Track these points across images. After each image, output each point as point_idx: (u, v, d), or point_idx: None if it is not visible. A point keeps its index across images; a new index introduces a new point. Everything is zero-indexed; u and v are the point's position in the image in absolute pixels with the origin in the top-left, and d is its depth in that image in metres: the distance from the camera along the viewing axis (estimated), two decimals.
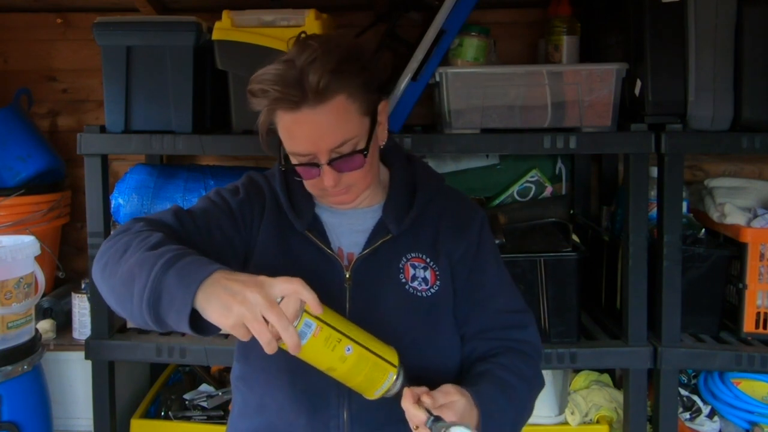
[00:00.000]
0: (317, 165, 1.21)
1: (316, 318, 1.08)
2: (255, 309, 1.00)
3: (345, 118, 1.19)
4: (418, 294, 1.28)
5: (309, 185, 1.29)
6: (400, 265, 1.30)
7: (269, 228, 1.32)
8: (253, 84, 1.20)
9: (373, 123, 1.25)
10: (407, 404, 1.11)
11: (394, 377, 1.14)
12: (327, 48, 1.18)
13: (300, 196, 1.34)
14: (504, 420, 1.21)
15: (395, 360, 1.15)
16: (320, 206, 1.36)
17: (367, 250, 1.30)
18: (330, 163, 1.21)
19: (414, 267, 1.30)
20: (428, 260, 1.31)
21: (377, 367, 1.13)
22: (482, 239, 1.36)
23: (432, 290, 1.29)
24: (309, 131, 1.19)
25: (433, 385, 1.15)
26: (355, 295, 1.28)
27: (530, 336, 1.35)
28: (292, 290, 1.04)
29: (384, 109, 1.31)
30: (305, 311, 1.07)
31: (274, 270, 1.27)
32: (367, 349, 1.12)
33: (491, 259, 1.37)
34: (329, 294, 1.26)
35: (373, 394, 1.16)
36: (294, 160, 1.25)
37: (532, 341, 1.35)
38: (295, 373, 1.25)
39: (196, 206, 1.33)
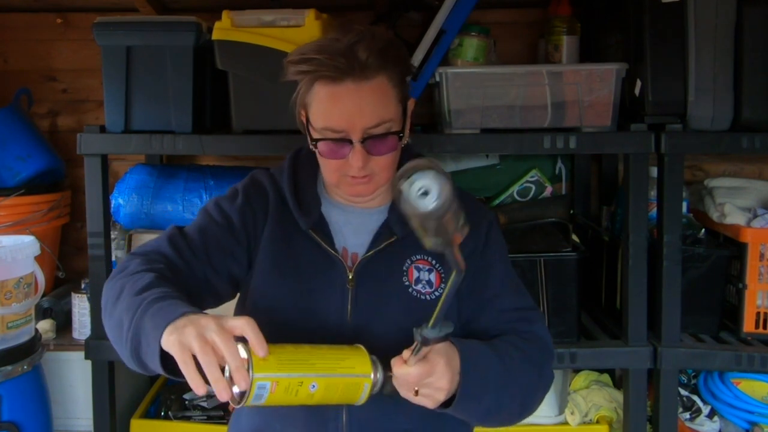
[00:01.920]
0: (349, 142, 1.19)
1: (267, 374, 1.01)
2: (204, 330, 0.98)
3: (385, 100, 1.19)
4: (422, 297, 1.27)
5: (330, 169, 1.25)
6: (404, 268, 1.28)
7: (273, 226, 1.31)
8: (295, 54, 1.19)
9: (406, 115, 1.26)
10: (398, 371, 1.10)
11: (370, 386, 1.12)
12: (372, 32, 1.20)
13: (307, 195, 1.33)
14: (488, 372, 1.17)
15: (366, 368, 1.11)
16: (328, 204, 1.34)
17: (371, 252, 1.28)
18: (363, 141, 1.19)
19: (418, 269, 1.29)
20: (434, 262, 1.30)
21: (349, 387, 1.10)
22: (490, 239, 1.34)
23: (436, 293, 1.28)
24: (349, 106, 1.18)
25: None
26: (358, 296, 1.27)
27: (538, 330, 1.32)
28: (239, 325, 1.01)
29: (412, 108, 1.30)
30: (253, 367, 1.00)
31: (276, 269, 1.28)
32: (331, 376, 1.08)
33: (498, 259, 1.35)
34: (331, 295, 1.27)
35: (357, 402, 1.14)
36: (322, 137, 1.22)
37: (540, 335, 1.32)
38: None
39: (193, 225, 1.32)
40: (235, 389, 1.02)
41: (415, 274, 1.28)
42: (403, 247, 1.29)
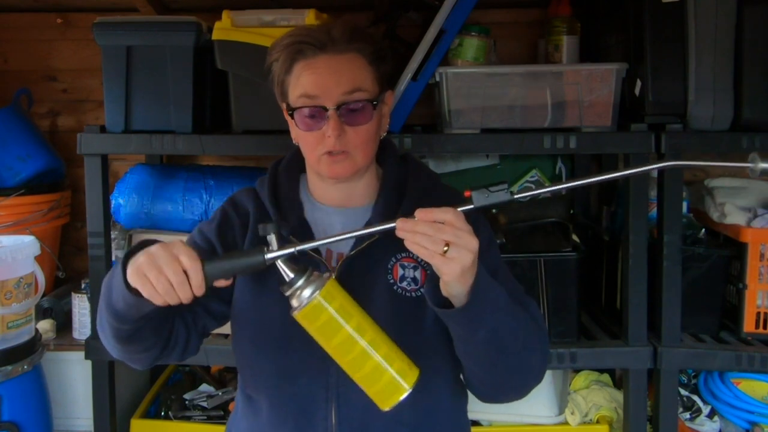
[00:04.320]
0: (324, 109, 1.22)
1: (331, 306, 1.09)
2: (164, 249, 1.07)
3: (360, 71, 1.23)
4: (407, 294, 1.26)
5: (309, 147, 1.26)
6: (389, 266, 1.28)
7: (253, 238, 1.31)
8: (279, 38, 1.25)
9: (382, 95, 1.28)
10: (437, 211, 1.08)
11: (402, 397, 1.09)
12: (346, 19, 1.29)
13: (287, 202, 1.33)
14: (499, 296, 1.15)
15: (411, 380, 1.09)
16: (313, 208, 1.34)
17: (354, 251, 1.27)
18: (338, 109, 1.21)
19: (403, 267, 1.28)
20: (419, 259, 1.27)
21: (388, 384, 1.09)
22: (477, 228, 1.27)
23: (421, 290, 1.26)
24: (323, 73, 1.22)
25: (425, 386, 1.13)
26: None
27: (533, 312, 1.28)
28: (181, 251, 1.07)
29: (389, 100, 1.32)
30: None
31: (257, 276, 1.27)
32: (383, 363, 1.09)
33: (486, 252, 1.28)
34: None
35: (385, 405, 1.11)
36: (301, 106, 1.24)
37: (537, 317, 1.28)
38: (283, 377, 1.25)
39: None
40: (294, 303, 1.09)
41: (400, 271, 1.28)
42: (387, 246, 1.27)
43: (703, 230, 2.04)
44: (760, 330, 1.97)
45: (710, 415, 2.02)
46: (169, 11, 2.38)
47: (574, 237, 2.02)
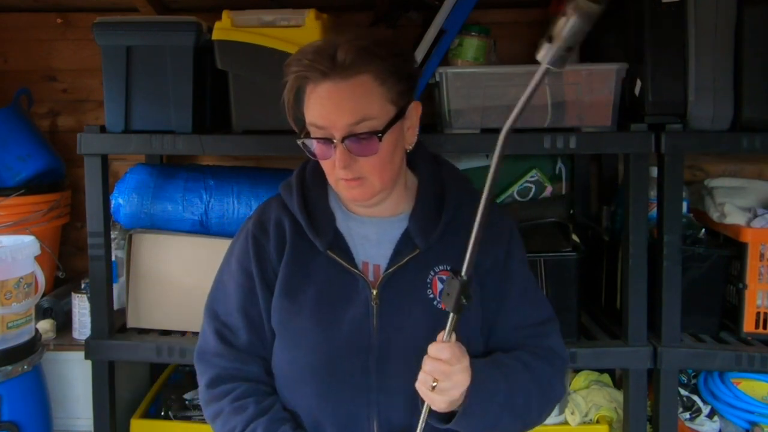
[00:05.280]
0: (331, 141, 1.20)
1: None
2: None
3: (367, 97, 1.19)
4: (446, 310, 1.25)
5: (326, 170, 1.26)
6: (428, 280, 1.27)
7: (290, 256, 1.30)
8: (293, 55, 1.23)
9: (399, 116, 1.23)
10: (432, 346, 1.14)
11: None
12: (366, 32, 1.26)
13: (320, 212, 1.31)
14: (495, 394, 1.18)
15: None
16: (345, 217, 1.33)
17: (394, 267, 1.26)
18: (344, 140, 1.19)
19: (442, 281, 1.27)
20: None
21: None
22: (510, 249, 1.33)
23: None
24: (329, 103, 1.19)
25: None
26: (383, 312, 1.25)
27: (552, 343, 1.33)
28: None
29: (415, 111, 1.28)
30: None
31: (289, 295, 1.27)
32: None
33: (518, 268, 1.34)
34: (355, 313, 1.25)
35: None
36: (313, 135, 1.23)
37: (554, 348, 1.33)
38: (324, 398, 1.25)
39: (226, 302, 1.35)
40: None
41: (440, 285, 1.26)
42: (426, 259, 1.27)
43: (703, 230, 2.04)
44: (760, 330, 1.97)
45: (710, 415, 2.02)
46: (169, 11, 2.38)
47: (574, 237, 2.02)
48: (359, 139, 1.19)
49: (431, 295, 1.26)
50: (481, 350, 1.30)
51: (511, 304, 1.32)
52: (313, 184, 1.34)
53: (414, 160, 1.36)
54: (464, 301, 1.10)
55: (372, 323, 1.25)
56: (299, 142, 1.24)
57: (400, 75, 1.22)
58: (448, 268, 1.27)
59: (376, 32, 1.26)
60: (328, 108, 1.19)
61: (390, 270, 1.26)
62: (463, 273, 1.10)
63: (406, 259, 1.26)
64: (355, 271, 1.27)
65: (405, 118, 1.26)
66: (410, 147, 1.30)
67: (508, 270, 1.32)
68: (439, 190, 1.32)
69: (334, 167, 1.22)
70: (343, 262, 1.27)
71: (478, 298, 1.29)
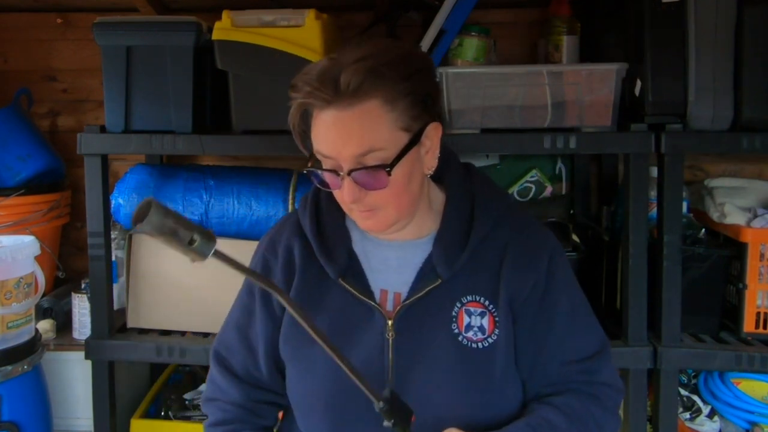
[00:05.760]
0: (338, 173, 1.10)
1: None
2: None
3: (374, 126, 1.07)
4: (473, 345, 1.14)
5: (337, 197, 1.17)
6: (454, 313, 1.15)
7: (300, 282, 1.22)
8: (297, 76, 1.12)
9: (413, 143, 1.11)
10: None
11: None
12: (375, 49, 1.09)
13: (333, 232, 1.22)
14: None
15: None
16: (363, 238, 1.23)
17: (414, 297, 1.15)
18: (351, 173, 1.09)
19: (469, 314, 1.15)
20: (487, 303, 1.16)
21: None
22: (551, 272, 1.19)
23: (490, 339, 1.15)
24: (334, 133, 1.08)
25: None
26: (399, 346, 1.15)
27: (604, 377, 1.21)
28: None
29: (435, 132, 1.16)
30: None
31: (299, 328, 1.15)
32: None
33: (562, 295, 1.20)
34: (368, 347, 1.16)
35: None
36: (320, 164, 1.14)
37: (606, 381, 1.21)
38: (336, 424, 1.18)
39: (238, 343, 1.28)
40: None
41: (466, 319, 1.15)
42: (451, 288, 1.16)
43: (703, 230, 2.04)
44: (760, 330, 1.96)
45: (710, 415, 2.02)
46: (169, 11, 2.38)
47: (574, 237, 2.02)
48: (367, 172, 1.08)
49: (456, 330, 1.14)
50: (520, 393, 1.19)
51: (556, 337, 1.19)
52: (328, 200, 1.24)
53: (443, 172, 1.24)
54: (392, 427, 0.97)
55: (387, 357, 1.14)
56: (305, 171, 1.15)
57: (414, 97, 1.10)
58: (479, 299, 1.16)
59: (389, 47, 1.12)
60: (333, 137, 1.09)
61: (409, 300, 1.16)
62: (382, 398, 0.97)
63: (427, 289, 1.15)
64: (369, 301, 1.17)
65: (421, 144, 1.14)
66: (430, 171, 1.18)
67: (551, 298, 1.19)
68: (469, 208, 1.21)
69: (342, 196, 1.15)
70: (356, 292, 1.18)
71: (510, 334, 1.17)
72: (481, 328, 1.15)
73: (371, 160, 1.08)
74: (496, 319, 1.15)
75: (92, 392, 1.97)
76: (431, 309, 1.15)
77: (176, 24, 1.88)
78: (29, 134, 2.37)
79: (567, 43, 2.16)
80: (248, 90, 1.88)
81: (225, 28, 1.86)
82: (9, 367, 1.83)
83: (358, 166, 1.08)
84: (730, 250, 1.99)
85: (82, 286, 2.14)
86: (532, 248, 1.20)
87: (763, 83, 1.82)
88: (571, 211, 2.36)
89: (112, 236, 2.09)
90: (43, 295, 2.15)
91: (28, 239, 1.94)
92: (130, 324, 2.04)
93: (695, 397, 2.05)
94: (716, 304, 2.00)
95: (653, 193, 1.96)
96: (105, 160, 1.94)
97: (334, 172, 1.10)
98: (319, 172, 1.12)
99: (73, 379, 2.18)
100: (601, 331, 1.25)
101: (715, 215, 2.09)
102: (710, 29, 1.83)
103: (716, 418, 2.01)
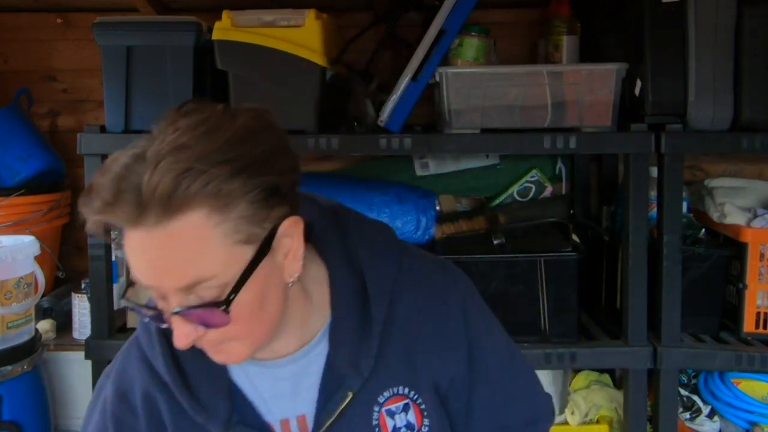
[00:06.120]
0: (160, 315, 0.83)
1: None
2: None
3: (199, 248, 0.78)
4: None
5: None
6: (374, 422, 0.94)
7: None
8: (93, 177, 0.84)
9: (261, 255, 0.82)
10: None
11: None
12: (193, 134, 0.78)
13: (199, 369, 0.93)
14: None
15: None
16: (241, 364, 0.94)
17: (327, 424, 0.93)
18: (179, 312, 0.80)
19: (392, 414, 0.95)
20: (407, 391, 0.96)
21: None
22: (469, 326, 1.00)
23: None
24: (145, 259, 0.80)
25: None
26: None
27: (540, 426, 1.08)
28: None
29: (295, 229, 0.85)
30: None
31: None
32: None
33: (488, 352, 1.02)
34: None
35: None
36: (132, 300, 0.87)
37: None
38: None
39: None
40: None
41: (389, 423, 0.95)
42: (363, 393, 0.94)
43: (703, 230, 2.04)
44: (760, 330, 1.97)
45: (710, 415, 2.02)
46: (169, 11, 2.38)
47: (574, 237, 2.02)
48: (199, 311, 0.80)
49: None
50: None
51: (490, 403, 1.03)
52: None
53: (319, 243, 0.98)
54: None
55: None
56: (122, 304, 0.90)
57: (256, 194, 0.79)
58: (398, 390, 0.95)
59: (214, 126, 0.80)
60: (145, 267, 0.80)
61: (323, 428, 0.94)
62: None
63: (339, 410, 0.93)
64: None
65: (274, 251, 0.84)
66: (293, 279, 0.88)
67: (477, 365, 1.01)
68: (360, 284, 0.96)
69: None
70: None
71: (443, 417, 1.00)
72: (409, 426, 0.96)
73: (203, 291, 0.80)
74: (422, 407, 0.97)
75: (92, 392, 1.97)
76: (349, 425, 0.94)
77: (176, 24, 1.89)
78: (29, 134, 2.37)
79: (567, 43, 2.16)
80: (248, 90, 1.88)
81: (225, 28, 1.86)
82: (9, 367, 1.83)
83: (186, 303, 0.81)
84: (730, 250, 1.99)
85: (82, 286, 2.14)
86: (440, 307, 0.99)
87: (763, 83, 1.82)
88: (571, 211, 2.36)
89: (112, 236, 2.09)
90: (43, 295, 2.15)
91: (28, 239, 1.94)
92: (130, 324, 2.04)
93: (695, 397, 2.05)
94: (716, 304, 2.00)
95: (653, 193, 1.96)
96: (105, 160, 1.94)
97: (156, 311, 0.83)
98: (142, 308, 0.85)
99: (73, 379, 2.18)
100: (536, 387, 1.10)
101: (715, 215, 2.09)
102: (710, 29, 1.83)
103: (716, 418, 2.01)
